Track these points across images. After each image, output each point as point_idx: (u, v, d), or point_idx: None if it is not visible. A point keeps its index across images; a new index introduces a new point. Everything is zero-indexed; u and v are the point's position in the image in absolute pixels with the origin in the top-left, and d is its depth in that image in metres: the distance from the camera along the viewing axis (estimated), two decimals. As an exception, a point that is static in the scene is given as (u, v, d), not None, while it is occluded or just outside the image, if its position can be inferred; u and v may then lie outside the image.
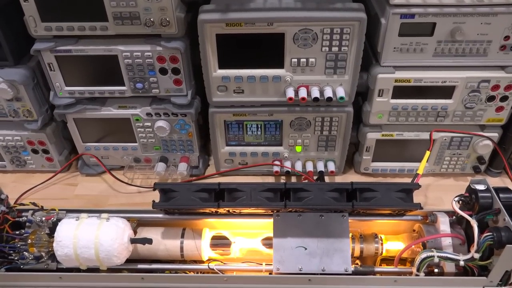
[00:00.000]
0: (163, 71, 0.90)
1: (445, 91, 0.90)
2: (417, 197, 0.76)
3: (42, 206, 0.82)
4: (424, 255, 0.72)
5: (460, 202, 0.78)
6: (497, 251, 0.69)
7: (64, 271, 0.76)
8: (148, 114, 0.97)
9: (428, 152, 0.90)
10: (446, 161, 1.01)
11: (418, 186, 0.75)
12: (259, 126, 0.98)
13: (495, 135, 0.96)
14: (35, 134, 1.00)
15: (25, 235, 0.78)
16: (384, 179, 1.04)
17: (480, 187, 0.75)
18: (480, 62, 0.87)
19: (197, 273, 0.80)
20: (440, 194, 0.99)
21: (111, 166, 1.07)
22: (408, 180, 0.90)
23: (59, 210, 0.81)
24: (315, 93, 0.89)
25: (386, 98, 0.91)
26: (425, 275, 0.73)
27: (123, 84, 0.92)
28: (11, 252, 0.78)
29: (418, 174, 0.85)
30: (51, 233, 0.76)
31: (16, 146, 1.03)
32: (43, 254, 0.77)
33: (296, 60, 0.86)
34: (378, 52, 0.88)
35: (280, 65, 0.87)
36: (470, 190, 0.77)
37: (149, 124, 0.98)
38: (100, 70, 0.91)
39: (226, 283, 0.75)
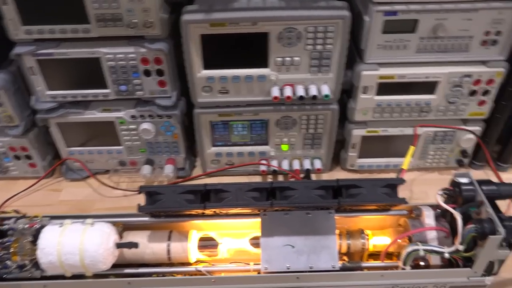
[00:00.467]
0: (147, 73, 0.89)
1: (428, 87, 0.91)
2: (402, 191, 0.77)
3: (25, 214, 0.81)
4: (410, 249, 0.73)
5: (445, 195, 0.79)
6: (481, 242, 0.70)
7: (49, 279, 0.75)
8: (133, 116, 0.96)
9: (412, 147, 0.91)
10: (431, 156, 1.03)
11: (402, 181, 0.76)
12: (245, 126, 0.98)
13: (477, 128, 0.98)
14: (17, 139, 0.99)
15: (7, 243, 0.76)
16: (371, 175, 1.05)
17: (464, 180, 0.76)
18: (462, 57, 0.88)
19: (185, 275, 0.79)
20: (425, 188, 1.00)
21: (96, 170, 1.06)
22: (394, 175, 0.92)
23: (42, 216, 0.79)
24: (300, 91, 0.89)
25: (370, 95, 0.92)
26: (411, 269, 0.74)
27: (106, 87, 0.91)
28: (-6, 261, 0.77)
29: (403, 169, 0.86)
30: (35, 241, 0.75)
31: (-3, 153, 1.01)
32: (27, 262, 0.75)
33: (280, 59, 0.87)
34: (362, 50, 0.88)
35: (265, 64, 0.88)
36: (454, 183, 0.78)
37: (134, 126, 0.98)
38: (83, 73, 0.90)
39: (214, 284, 0.75)
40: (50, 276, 0.76)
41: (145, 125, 0.96)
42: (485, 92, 0.92)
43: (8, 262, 0.75)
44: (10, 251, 0.75)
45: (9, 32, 0.84)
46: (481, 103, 0.94)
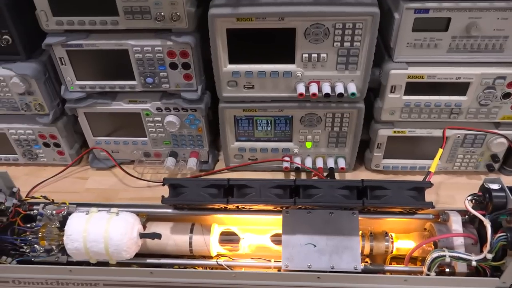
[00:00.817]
0: (173, 66, 0.89)
1: (459, 88, 0.88)
2: (429, 195, 0.75)
3: (53, 200, 0.83)
4: (435, 255, 0.71)
5: (473, 201, 0.76)
6: (511, 251, 0.68)
7: (74, 265, 0.77)
8: (158, 109, 0.97)
9: (440, 150, 0.88)
10: (459, 159, 1.00)
11: (430, 185, 0.74)
12: (269, 121, 0.97)
13: (510, 133, 0.94)
14: (47, 128, 1.01)
15: (36, 228, 0.79)
16: (395, 176, 1.03)
17: (494, 186, 0.74)
18: (495, 58, 0.85)
19: (206, 268, 0.80)
20: (453, 193, 0.97)
21: (121, 160, 1.07)
22: (419, 177, 0.89)
23: (69, 203, 0.81)
24: (326, 89, 0.87)
25: (398, 94, 0.90)
26: (436, 275, 0.72)
27: (133, 79, 0.92)
28: (22, 244, 0.79)
29: (430, 172, 0.84)
30: (62, 227, 0.77)
31: (28, 140, 1.04)
32: (54, 247, 0.77)
33: (307, 55, 0.85)
34: (391, 48, 0.86)
35: (291, 60, 0.86)
36: (484, 189, 0.75)
37: (159, 119, 0.98)
38: (111, 64, 0.91)
39: (235, 279, 0.75)
40: (76, 261, 0.77)
41: (170, 118, 0.97)
42: (519, 95, 0.89)
43: (36, 246, 0.78)
44: (38, 235, 0.77)
45: (41, 23, 0.85)
46: (515, 106, 0.90)
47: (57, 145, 1.05)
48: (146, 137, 1.02)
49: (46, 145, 1.05)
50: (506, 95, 0.89)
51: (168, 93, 0.95)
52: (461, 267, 0.72)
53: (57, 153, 1.06)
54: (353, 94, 0.87)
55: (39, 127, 1.01)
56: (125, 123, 1.01)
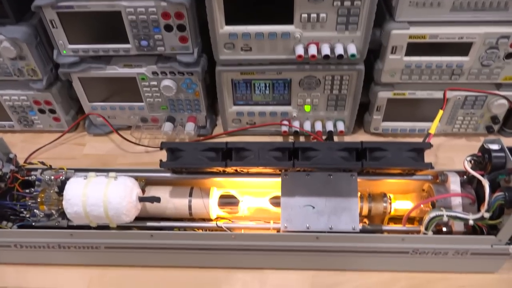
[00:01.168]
0: (168, 28, 0.87)
1: (462, 48, 0.86)
2: (427, 157, 0.75)
3: (50, 165, 0.82)
4: (433, 214, 0.72)
5: (472, 161, 0.76)
6: (508, 210, 0.69)
7: (75, 229, 0.78)
8: (154, 73, 0.95)
9: (441, 111, 0.88)
10: (459, 121, 0.99)
11: (429, 146, 0.74)
12: (267, 85, 0.96)
13: (511, 94, 0.93)
14: (41, 93, 0.99)
15: (35, 193, 0.79)
16: (394, 139, 1.03)
17: (494, 146, 0.73)
18: (499, 17, 0.83)
19: (205, 230, 0.80)
20: (451, 154, 0.97)
21: (118, 126, 1.06)
22: (419, 140, 0.89)
23: (67, 169, 0.81)
24: (326, 50, 0.85)
25: (399, 55, 0.88)
26: (433, 234, 0.73)
27: (127, 42, 0.89)
28: (22, 210, 0.79)
29: (430, 133, 0.84)
30: (60, 192, 0.77)
31: (22, 106, 1.02)
32: (54, 212, 0.77)
33: (306, 15, 0.83)
34: (392, 7, 0.84)
35: (290, 21, 0.84)
36: (483, 149, 0.75)
37: (155, 83, 0.97)
38: (104, 27, 0.88)
39: (234, 241, 0.76)
40: (76, 226, 0.78)
41: (166, 82, 0.95)
42: (523, 55, 0.87)
43: (36, 211, 0.78)
44: (38, 200, 0.77)
45: (29, -17, 0.82)
46: (517, 66, 0.89)
47: (52, 111, 1.03)
48: (142, 102, 1.01)
49: (41, 111, 1.03)
50: (509, 55, 0.87)
51: (164, 56, 0.93)
52: (458, 226, 0.73)
53: (53, 120, 1.05)
54: (353, 55, 0.85)
55: (33, 93, 1.00)
56: (120, 88, 0.99)
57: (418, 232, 0.75)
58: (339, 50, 0.85)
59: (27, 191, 0.80)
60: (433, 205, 0.76)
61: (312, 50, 0.86)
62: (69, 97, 1.05)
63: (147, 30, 0.87)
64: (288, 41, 0.86)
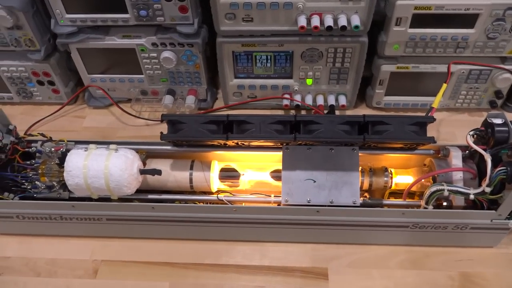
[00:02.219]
0: (168, -3, 0.84)
1: (467, 20, 0.84)
2: (430, 131, 0.73)
3: (50, 137, 0.81)
4: (434, 189, 0.71)
5: (475, 136, 0.75)
6: (509, 185, 0.68)
7: (77, 200, 0.77)
8: (154, 44, 0.92)
9: (444, 85, 0.86)
10: (462, 96, 0.97)
11: (432, 119, 0.72)
12: (269, 57, 0.94)
13: (516, 68, 0.91)
14: (39, 64, 0.97)
15: (35, 165, 0.78)
16: (397, 113, 1.01)
17: (497, 120, 0.72)
18: (508, -13, 0.80)
19: (207, 203, 0.80)
20: (453, 129, 0.97)
21: (118, 98, 1.05)
22: (421, 115, 0.88)
23: (67, 141, 0.80)
24: (329, 21, 0.83)
25: (403, 27, 0.85)
26: (434, 208, 0.73)
27: (126, 11, 0.87)
28: (24, 181, 0.79)
29: (433, 107, 0.82)
30: (61, 163, 0.76)
31: (21, 77, 1.00)
32: (55, 183, 0.77)
33: (309, -16, 0.80)
34: (398, -24, 0.81)
35: (292, -10, 0.81)
36: (486, 124, 0.73)
37: (154, 55, 0.94)
38: (102, -5, 0.86)
39: (235, 213, 0.75)
40: (78, 197, 0.77)
41: (166, 54, 0.93)
42: (530, 28, 0.84)
43: (38, 183, 0.77)
44: (39, 172, 0.76)
45: (24, -52, 0.79)
46: (524, 39, 0.86)
47: (51, 83, 1.01)
48: (142, 74, 0.99)
49: (40, 83, 1.02)
50: (515, 28, 0.84)
51: (163, 27, 0.90)
52: (458, 200, 0.73)
53: (52, 91, 1.04)
54: (356, 27, 0.83)
55: (31, 64, 0.98)
56: (120, 60, 0.97)
57: (419, 206, 0.75)
58: (342, 21, 0.83)
59: (28, 162, 0.79)
60: (434, 180, 0.75)
61: (315, 21, 0.83)
62: (68, 69, 1.03)
63: (146, -1, 0.84)
64: (290, 11, 0.84)
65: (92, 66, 0.99)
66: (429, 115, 0.80)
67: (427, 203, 0.72)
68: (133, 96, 1.03)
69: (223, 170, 0.81)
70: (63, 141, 0.80)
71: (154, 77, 1.00)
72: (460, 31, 0.86)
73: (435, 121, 0.72)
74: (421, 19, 0.84)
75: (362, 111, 1.03)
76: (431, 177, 0.76)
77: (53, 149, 0.78)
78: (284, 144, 0.77)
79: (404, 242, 0.78)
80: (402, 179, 0.79)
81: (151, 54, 0.94)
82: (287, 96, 0.99)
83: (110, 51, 0.94)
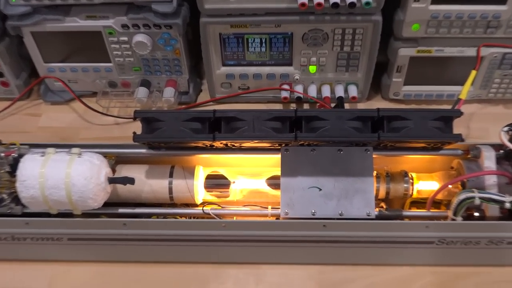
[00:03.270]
0: (140, -31, 0.85)
1: (500, -5, 0.86)
2: (457, 127, 0.75)
3: (0, 140, 0.81)
4: (463, 196, 0.72)
5: (510, 132, 0.76)
6: (553, 191, 0.69)
7: (31, 216, 0.77)
8: (124, 26, 0.93)
9: (474, 72, 0.88)
10: (496, 84, 0.99)
11: (459, 113, 0.73)
12: (264, 40, 0.95)
13: (559, 51, 0.93)
14: (-15, 52, 0.98)
15: (-19, 174, 0.78)
16: (418, 106, 1.03)
17: (538, 114, 0.73)
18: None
19: (190, 218, 0.81)
20: (486, 125, 0.98)
21: (81, 92, 1.05)
22: (447, 107, 0.89)
23: (20, 144, 0.80)
24: (335, -4, 0.84)
25: (424, 3, 0.87)
26: (463, 220, 0.74)
27: (90, -14, 0.88)
28: (-34, 194, 0.79)
29: (461, 99, 0.84)
30: (13, 172, 0.76)
31: (-38, 67, 1.01)
32: (5, 196, 0.77)
33: (311, -49, 0.81)
34: None
35: (291, -41, 0.83)
36: (525, 118, 0.75)
37: (125, 38, 0.95)
38: (60, -33, 0.86)
39: (225, 230, 0.76)
40: (34, 213, 0.78)
41: (139, 37, 0.94)
42: None
43: (-17, 196, 0.77)
44: (-16, 183, 0.76)
45: None
46: None
47: (-1, 74, 1.02)
48: (110, 62, 1.00)
49: (-14, 74, 1.02)
50: (557, 3, 0.86)
51: (136, 5, 0.91)
52: (492, 210, 0.74)
53: (1, 85, 1.04)
54: (367, 3, 0.84)
55: (-25, 51, 0.98)
56: (83, 45, 0.98)
57: (445, 218, 0.76)
58: (351, -4, 0.84)
59: (-28, 171, 0.79)
60: (463, 186, 0.77)
61: (319, -4, 0.85)
62: (19, 57, 1.04)
63: (114, -29, 0.85)
64: (289, -15, 0.85)
65: (49, 53, 1.00)
66: (456, 108, 0.81)
67: (455, 213, 0.73)
68: (99, 89, 1.04)
69: (209, 177, 0.82)
70: (15, 144, 0.80)
71: (124, 65, 1.01)
72: (491, 8, 0.87)
73: (463, 115, 0.74)
74: (445, -6, 0.86)
75: (377, 104, 1.05)
76: (459, 183, 0.77)
77: (3, 154, 0.78)
78: (283, 145, 0.77)
79: (429, 262, 0.79)
80: (425, 186, 0.80)
81: (121, 38, 0.95)
82: (286, 87, 1.01)
83: (72, 35, 0.95)
